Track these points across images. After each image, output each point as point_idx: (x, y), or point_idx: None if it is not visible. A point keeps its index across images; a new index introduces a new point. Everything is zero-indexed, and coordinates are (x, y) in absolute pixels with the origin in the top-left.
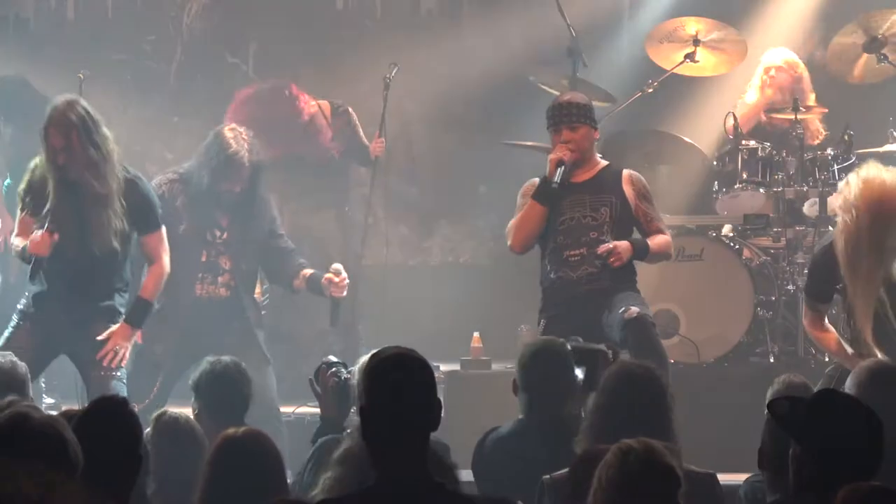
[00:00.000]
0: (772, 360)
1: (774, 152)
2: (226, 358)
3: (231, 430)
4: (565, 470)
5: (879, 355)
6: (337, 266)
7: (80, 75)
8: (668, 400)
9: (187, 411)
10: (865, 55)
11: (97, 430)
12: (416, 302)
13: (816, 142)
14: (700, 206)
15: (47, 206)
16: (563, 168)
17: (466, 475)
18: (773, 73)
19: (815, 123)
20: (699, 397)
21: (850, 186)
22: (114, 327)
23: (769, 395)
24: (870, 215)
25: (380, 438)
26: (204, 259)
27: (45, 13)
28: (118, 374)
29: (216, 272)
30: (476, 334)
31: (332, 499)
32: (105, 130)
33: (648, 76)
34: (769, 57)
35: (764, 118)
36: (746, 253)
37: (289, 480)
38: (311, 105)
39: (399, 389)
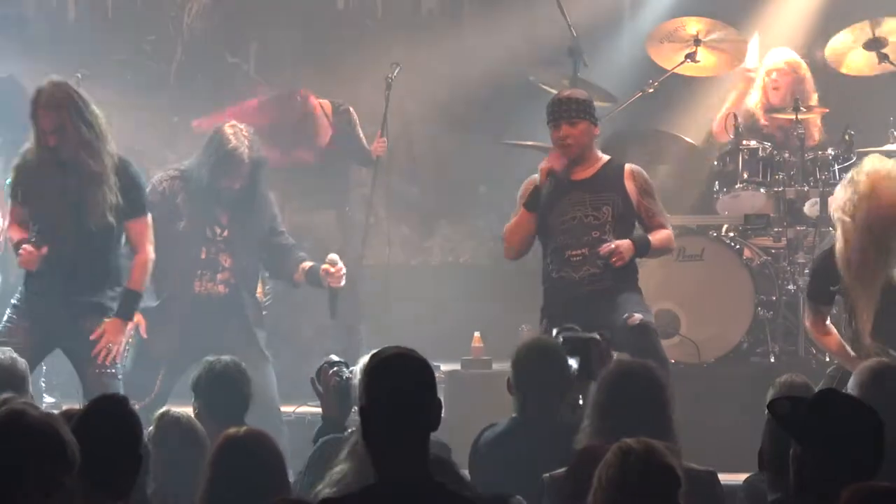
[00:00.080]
0: (772, 360)
1: (775, 152)
2: (225, 358)
3: (232, 430)
4: (565, 468)
5: (881, 356)
6: (333, 257)
7: (78, 75)
8: (666, 398)
9: (188, 411)
10: (864, 51)
11: (97, 429)
12: (416, 302)
13: (814, 142)
14: (701, 205)
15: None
16: (552, 179)
17: (466, 474)
18: (774, 75)
19: (816, 123)
20: (700, 397)
21: (850, 187)
22: (105, 322)
23: (770, 395)
24: (869, 218)
25: (380, 438)
26: (204, 256)
27: (46, 13)
28: (114, 370)
29: (216, 269)
30: (477, 334)
31: (333, 498)
32: (95, 109)
33: (649, 76)
34: (771, 58)
35: (764, 119)
36: (747, 253)
37: (290, 480)
38: (316, 105)
39: (399, 389)
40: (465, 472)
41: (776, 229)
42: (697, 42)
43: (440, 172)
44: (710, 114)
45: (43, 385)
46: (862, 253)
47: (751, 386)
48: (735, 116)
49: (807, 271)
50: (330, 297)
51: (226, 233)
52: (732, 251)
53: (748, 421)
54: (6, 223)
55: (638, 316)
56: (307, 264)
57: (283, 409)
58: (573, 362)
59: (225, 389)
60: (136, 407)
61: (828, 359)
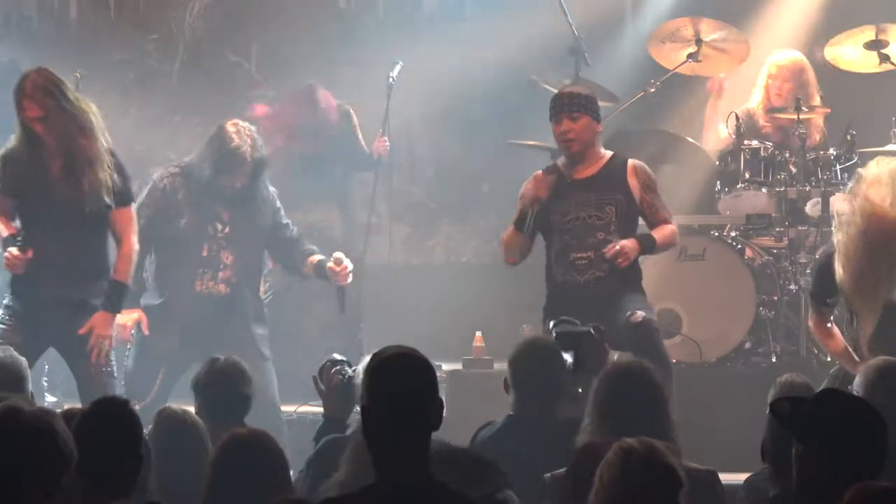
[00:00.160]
0: (774, 360)
1: (777, 152)
2: (226, 357)
3: (235, 430)
4: (566, 468)
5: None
6: (338, 255)
7: (77, 74)
8: (664, 397)
9: (190, 410)
10: (865, 50)
11: (98, 430)
12: (418, 301)
13: (814, 143)
14: (702, 205)
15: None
16: (532, 213)
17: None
18: (779, 75)
19: (817, 124)
20: (701, 397)
21: (851, 199)
22: (94, 316)
23: (771, 395)
24: (869, 232)
25: (381, 438)
26: (205, 253)
27: (48, 12)
28: (109, 369)
29: (217, 267)
30: (478, 333)
31: (334, 498)
32: (76, 94)
33: (651, 76)
34: (774, 58)
35: (765, 120)
36: (749, 253)
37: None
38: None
39: (400, 389)
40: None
41: (778, 229)
42: (699, 42)
43: (442, 172)
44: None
45: (45, 384)
46: (862, 266)
47: (752, 386)
48: (736, 116)
49: (808, 271)
50: (337, 293)
51: (227, 230)
52: (734, 251)
53: (749, 421)
54: None
55: (640, 313)
56: (315, 258)
57: (284, 408)
58: (567, 357)
59: (225, 389)
60: (137, 407)
61: (829, 359)
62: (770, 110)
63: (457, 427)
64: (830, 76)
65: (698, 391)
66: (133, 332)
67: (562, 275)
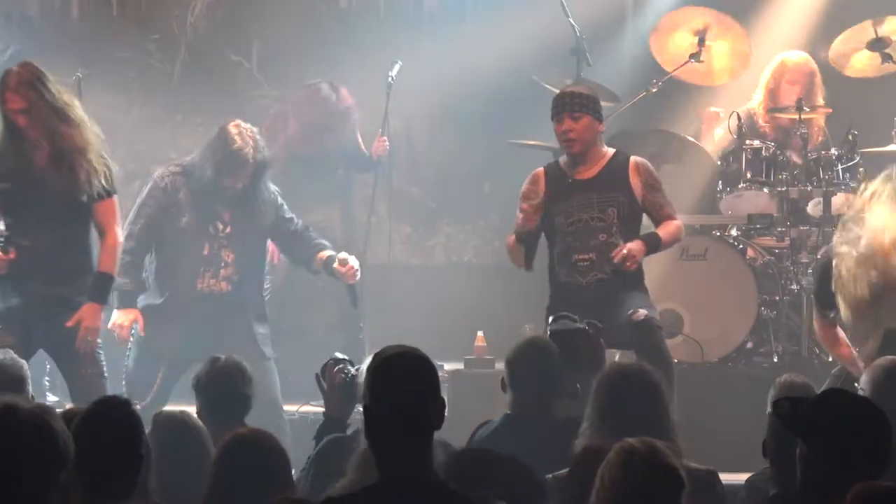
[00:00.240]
0: (776, 360)
1: (778, 152)
2: (226, 356)
3: (237, 430)
4: (567, 469)
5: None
6: (343, 256)
7: (79, 74)
8: (663, 397)
9: (191, 410)
10: (868, 52)
11: (98, 430)
12: (419, 301)
13: (814, 143)
14: (704, 205)
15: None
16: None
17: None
18: (784, 75)
19: (819, 124)
20: (703, 397)
21: (853, 224)
22: (82, 308)
23: (770, 395)
24: (873, 284)
25: (383, 437)
26: (206, 252)
27: (50, 11)
28: (99, 370)
29: (218, 265)
30: (480, 333)
31: (336, 497)
32: (59, 87)
33: (652, 76)
34: (783, 58)
35: (765, 120)
36: (750, 252)
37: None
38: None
39: (402, 389)
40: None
41: (779, 229)
42: (702, 42)
43: (443, 171)
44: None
45: (46, 384)
46: (864, 305)
47: (754, 386)
48: (738, 116)
49: (810, 271)
50: (348, 290)
51: (228, 229)
52: (736, 251)
53: (751, 421)
54: None
55: (643, 311)
56: (325, 254)
57: (286, 408)
58: (563, 354)
59: (226, 389)
60: (138, 407)
61: (831, 359)
62: (772, 110)
63: (459, 426)
64: (831, 76)
65: (700, 391)
66: (133, 332)
67: (564, 276)
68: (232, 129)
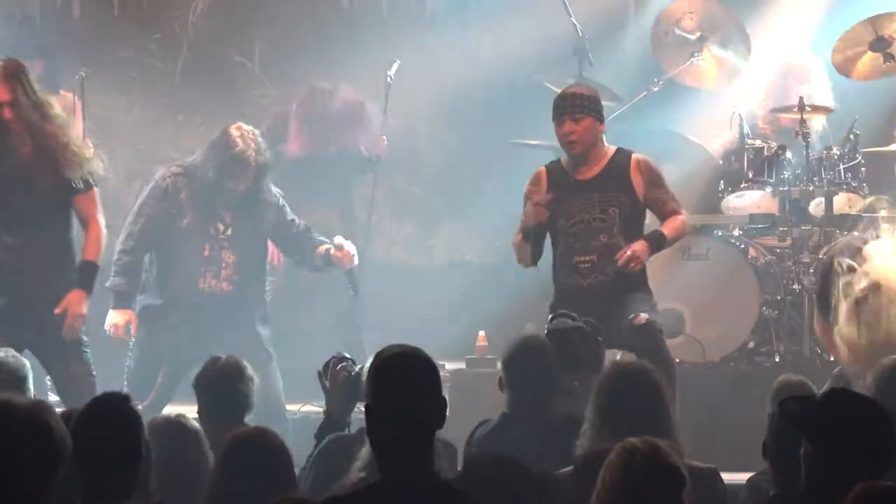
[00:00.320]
0: (777, 360)
1: (780, 151)
2: (226, 356)
3: (240, 428)
4: (569, 469)
5: None
6: (338, 240)
7: (81, 73)
8: (664, 396)
9: (192, 409)
10: (870, 53)
11: (97, 426)
12: (421, 301)
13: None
14: (706, 205)
15: None
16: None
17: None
18: (787, 73)
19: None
20: (704, 397)
21: (861, 276)
22: (69, 294)
23: (770, 395)
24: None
25: (384, 437)
26: (207, 253)
27: (51, 11)
28: (86, 369)
29: (219, 265)
30: (481, 333)
31: (338, 497)
32: (39, 86)
33: (654, 75)
34: (786, 58)
35: (765, 121)
36: (752, 252)
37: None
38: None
39: (403, 388)
40: None
41: (781, 228)
42: (703, 41)
43: (444, 171)
44: (715, 113)
45: (48, 383)
46: (863, 351)
47: (755, 385)
48: (740, 116)
49: (812, 271)
50: (347, 276)
51: (229, 231)
52: (737, 250)
53: (752, 420)
54: None
55: (644, 315)
56: (323, 248)
57: (287, 407)
58: (561, 352)
59: (225, 388)
60: (140, 406)
61: (832, 359)
62: (774, 109)
63: (460, 426)
64: (832, 76)
65: (702, 391)
66: (133, 332)
67: (565, 277)
68: (234, 131)
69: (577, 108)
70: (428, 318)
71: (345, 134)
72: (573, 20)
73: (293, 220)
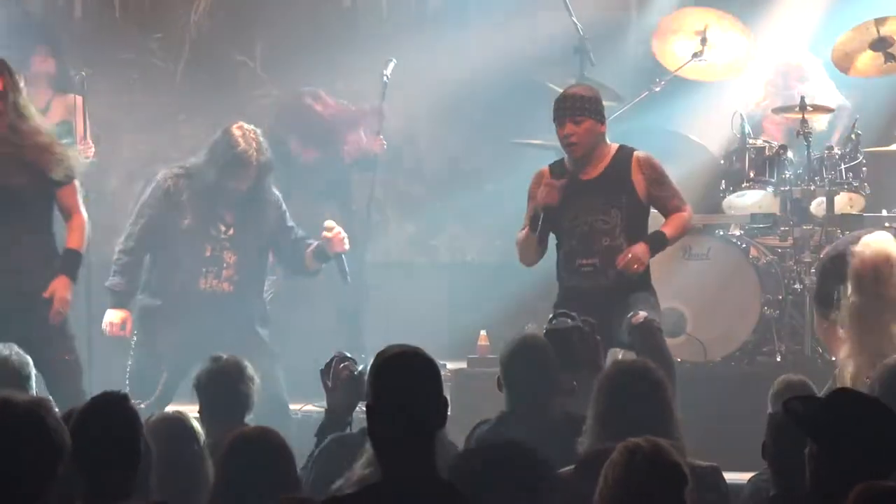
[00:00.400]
0: (779, 360)
1: (782, 151)
2: (226, 356)
3: (242, 428)
4: (570, 468)
5: None
6: (329, 223)
7: (82, 73)
8: (666, 394)
9: (193, 409)
10: (871, 52)
11: (97, 426)
12: (422, 300)
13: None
14: (707, 204)
15: None
16: (541, 217)
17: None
18: (788, 72)
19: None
20: (706, 396)
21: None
22: (54, 281)
23: (770, 395)
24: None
25: (385, 437)
26: (208, 254)
27: (52, 10)
28: (74, 357)
29: (220, 266)
30: (483, 332)
31: (339, 497)
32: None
33: (656, 75)
34: (787, 57)
35: (767, 121)
36: (753, 252)
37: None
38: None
39: (404, 388)
40: None
41: (782, 228)
42: (704, 41)
43: (446, 171)
44: (716, 113)
45: None
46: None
47: (757, 385)
48: (741, 115)
49: (813, 270)
50: (336, 262)
51: (231, 231)
52: (739, 250)
53: (754, 420)
54: None
55: (642, 314)
56: (312, 246)
57: (289, 407)
58: (559, 352)
59: (225, 388)
60: (142, 406)
61: (834, 358)
62: (775, 109)
63: (462, 425)
64: (833, 75)
65: (702, 391)
66: (134, 332)
67: (568, 279)
68: (235, 130)
69: (578, 110)
70: (429, 318)
71: (331, 141)
72: (574, 19)
73: (292, 227)
